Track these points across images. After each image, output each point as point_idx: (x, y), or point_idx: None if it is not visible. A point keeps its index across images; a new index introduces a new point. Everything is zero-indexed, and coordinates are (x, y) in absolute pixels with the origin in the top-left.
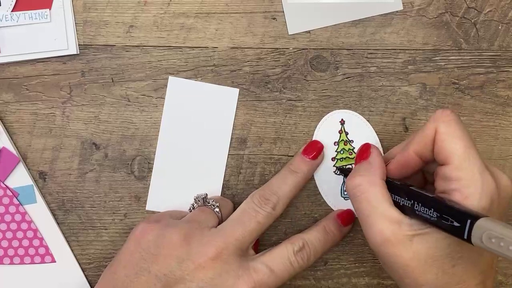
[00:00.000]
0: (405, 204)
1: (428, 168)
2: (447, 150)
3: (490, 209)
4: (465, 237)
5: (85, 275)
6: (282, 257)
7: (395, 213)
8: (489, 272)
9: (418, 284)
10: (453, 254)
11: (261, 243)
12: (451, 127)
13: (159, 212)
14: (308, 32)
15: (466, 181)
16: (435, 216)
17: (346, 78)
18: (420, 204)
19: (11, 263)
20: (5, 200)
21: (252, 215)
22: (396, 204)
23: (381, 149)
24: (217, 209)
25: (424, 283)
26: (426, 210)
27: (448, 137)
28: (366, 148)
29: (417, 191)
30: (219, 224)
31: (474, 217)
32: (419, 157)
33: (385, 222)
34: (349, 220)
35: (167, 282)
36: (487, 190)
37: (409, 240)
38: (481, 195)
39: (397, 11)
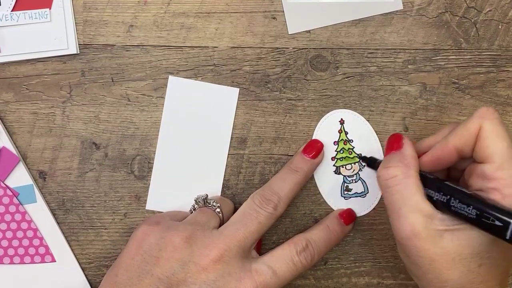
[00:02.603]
0: (439, 198)
1: (458, 165)
2: (490, 148)
3: None
4: (508, 237)
5: (85, 275)
6: (284, 258)
7: (428, 207)
8: (506, 274)
9: (441, 280)
10: (482, 254)
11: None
12: (496, 126)
13: (159, 211)
14: (308, 31)
15: (506, 181)
16: (474, 213)
17: (346, 77)
18: (457, 200)
19: (11, 262)
20: (5, 200)
21: (253, 216)
22: (429, 198)
23: (381, 150)
24: (218, 210)
25: (448, 279)
26: (464, 207)
27: (492, 136)
28: (397, 139)
29: (454, 187)
30: (220, 224)
31: None
32: (457, 152)
33: (417, 215)
34: (351, 219)
35: (170, 285)
36: None
37: (439, 235)
38: None
39: (397, 11)
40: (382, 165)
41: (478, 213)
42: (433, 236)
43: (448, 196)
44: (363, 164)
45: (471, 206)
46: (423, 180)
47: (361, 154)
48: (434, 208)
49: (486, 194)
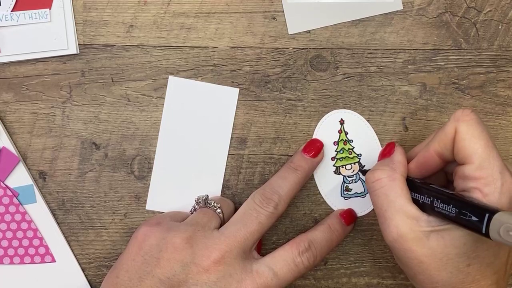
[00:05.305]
0: (424, 201)
1: (449, 168)
2: (467, 149)
3: (510, 207)
4: (483, 231)
5: (85, 275)
6: (286, 259)
7: (412, 209)
8: (503, 273)
9: (432, 281)
10: (468, 253)
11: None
12: (471, 127)
13: (159, 212)
14: (308, 31)
15: (485, 180)
16: (454, 212)
17: (346, 77)
18: (439, 200)
19: (11, 263)
20: (5, 200)
21: (254, 216)
22: (416, 202)
23: (380, 149)
24: (218, 210)
25: (438, 280)
26: (445, 206)
27: (468, 137)
28: (390, 147)
29: (436, 188)
30: (221, 225)
31: (492, 211)
32: (439, 156)
33: (402, 217)
34: (352, 219)
35: (171, 286)
36: (507, 189)
37: (426, 236)
38: (500, 194)
39: (397, 11)
40: (370, 169)
41: (457, 210)
42: (420, 238)
43: (432, 198)
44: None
45: (451, 205)
46: (411, 186)
47: (362, 165)
48: (420, 210)
49: (469, 194)
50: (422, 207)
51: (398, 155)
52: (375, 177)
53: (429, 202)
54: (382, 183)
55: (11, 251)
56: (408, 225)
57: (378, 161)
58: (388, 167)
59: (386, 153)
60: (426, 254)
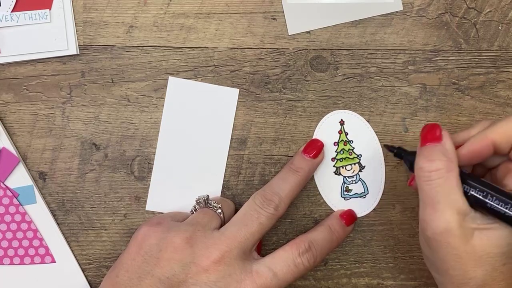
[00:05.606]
0: (474, 194)
1: (488, 161)
2: None
3: None
4: None
5: (85, 276)
6: (286, 260)
7: (464, 204)
8: None
9: (466, 277)
10: (508, 253)
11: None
12: None
13: (158, 212)
14: (308, 32)
15: None
16: None
17: (346, 78)
18: (494, 197)
19: (11, 263)
20: (5, 201)
21: (254, 217)
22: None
23: (380, 150)
24: (219, 211)
25: (472, 276)
26: (502, 205)
27: None
28: (434, 129)
29: (492, 184)
30: (221, 225)
31: None
32: (494, 147)
33: (454, 212)
34: (352, 220)
35: (170, 285)
36: None
37: (470, 234)
38: None
39: (397, 12)
40: (423, 156)
41: None
42: (465, 234)
43: (485, 193)
44: (392, 152)
45: (509, 205)
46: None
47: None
48: (468, 205)
49: None
50: (468, 200)
51: (449, 143)
52: (434, 167)
53: (481, 197)
54: (440, 174)
55: (11, 252)
56: (457, 221)
57: (421, 143)
58: (445, 157)
59: (431, 136)
60: (468, 251)
